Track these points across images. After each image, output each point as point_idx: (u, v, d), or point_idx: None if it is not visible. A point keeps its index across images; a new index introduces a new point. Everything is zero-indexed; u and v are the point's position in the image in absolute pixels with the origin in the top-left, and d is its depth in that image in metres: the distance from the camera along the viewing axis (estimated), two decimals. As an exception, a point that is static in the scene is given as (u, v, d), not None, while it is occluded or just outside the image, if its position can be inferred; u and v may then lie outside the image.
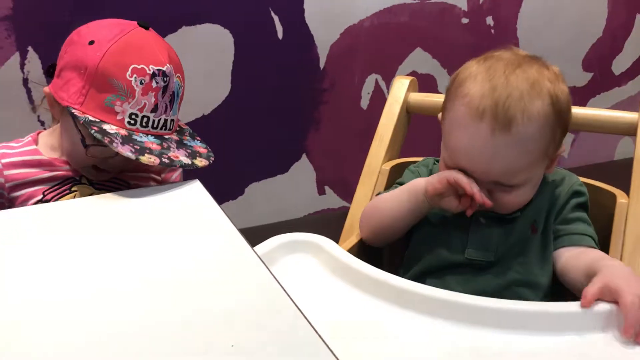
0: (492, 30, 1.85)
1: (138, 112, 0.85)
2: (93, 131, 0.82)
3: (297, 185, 1.78)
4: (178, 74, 0.91)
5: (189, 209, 0.77)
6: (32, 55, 1.37)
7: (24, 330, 0.50)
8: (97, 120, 0.83)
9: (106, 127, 0.83)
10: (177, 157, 0.85)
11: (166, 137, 0.88)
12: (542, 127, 0.75)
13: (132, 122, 0.84)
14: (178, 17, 1.45)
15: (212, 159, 0.92)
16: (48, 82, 0.92)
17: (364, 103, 1.76)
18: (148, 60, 0.85)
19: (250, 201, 1.74)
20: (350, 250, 0.88)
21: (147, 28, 0.90)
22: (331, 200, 1.85)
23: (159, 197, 0.80)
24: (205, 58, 1.51)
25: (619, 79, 2.14)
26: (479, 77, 0.77)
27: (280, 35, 1.58)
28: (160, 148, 0.85)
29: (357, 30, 1.67)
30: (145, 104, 0.85)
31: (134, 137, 0.84)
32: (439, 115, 0.86)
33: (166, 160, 0.83)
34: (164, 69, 0.86)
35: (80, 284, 0.57)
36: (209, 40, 1.49)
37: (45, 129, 1.33)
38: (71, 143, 0.89)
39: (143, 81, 0.84)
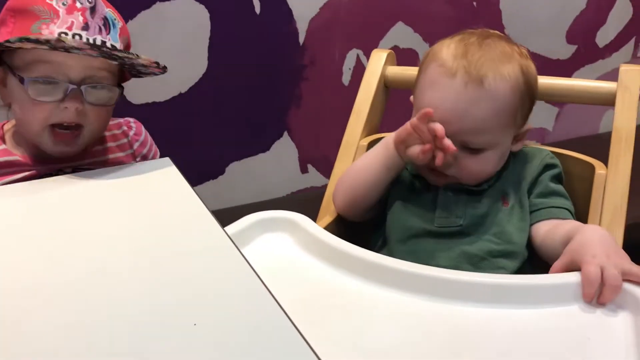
0: (475, 3, 1.83)
1: (67, 30, 0.80)
2: (38, 42, 0.76)
3: (280, 163, 1.76)
4: (109, 9, 0.87)
5: (157, 187, 0.76)
6: None
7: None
8: (19, 37, 0.77)
9: (32, 38, 0.76)
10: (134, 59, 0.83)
11: (103, 48, 0.81)
12: (512, 88, 0.78)
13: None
14: (152, -7, 1.42)
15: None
16: None
17: (346, 79, 1.74)
18: None
19: (231, 181, 1.71)
20: (328, 227, 0.87)
21: None
22: (314, 178, 1.83)
23: (127, 175, 0.78)
24: (181, 35, 1.48)
25: (603, 51, 2.13)
26: (452, 45, 0.81)
27: (257, 9, 1.54)
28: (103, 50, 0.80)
29: (337, 4, 1.64)
30: (72, 22, 0.81)
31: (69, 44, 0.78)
32: (411, 97, 0.86)
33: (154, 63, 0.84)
34: None
35: (48, 265, 0.55)
36: (183, 16, 1.46)
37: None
38: (20, 107, 0.83)
39: (65, 2, 0.81)
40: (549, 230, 0.78)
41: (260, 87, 1.64)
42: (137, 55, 0.82)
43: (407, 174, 0.89)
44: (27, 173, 0.86)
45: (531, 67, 0.82)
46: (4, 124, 0.92)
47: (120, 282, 0.54)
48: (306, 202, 1.90)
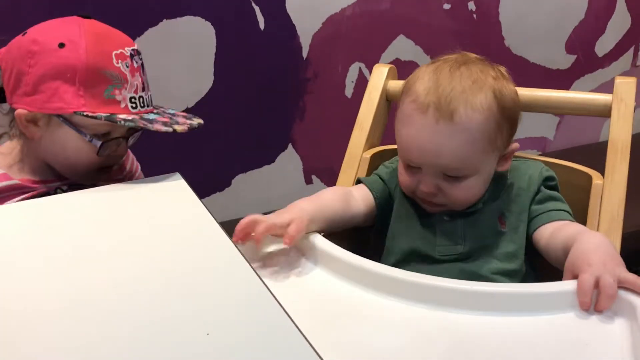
0: (474, 15, 1.86)
1: (135, 95, 0.87)
2: (121, 122, 0.84)
3: (284, 175, 1.79)
4: None
5: (168, 202, 0.78)
6: None
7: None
8: (108, 114, 0.84)
9: (121, 117, 0.85)
10: (186, 122, 0.90)
11: (155, 112, 0.91)
12: (486, 118, 0.79)
13: (134, 105, 0.87)
14: (159, 10, 1.45)
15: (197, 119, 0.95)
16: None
17: (348, 92, 1.77)
18: (121, 43, 0.87)
19: (237, 192, 1.74)
20: (331, 237, 0.89)
21: (89, 17, 0.89)
22: (319, 189, 1.83)
23: (138, 190, 0.80)
24: (187, 51, 1.51)
25: (602, 60, 2.15)
26: (425, 77, 0.82)
27: (262, 26, 1.58)
28: (168, 120, 0.89)
29: (339, 18, 1.67)
30: (137, 85, 0.87)
31: (144, 117, 0.87)
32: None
33: (186, 127, 0.89)
34: (136, 47, 0.89)
35: (61, 278, 0.58)
36: (190, 33, 1.49)
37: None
38: (72, 152, 0.88)
39: (127, 64, 0.86)
40: (551, 234, 0.80)
41: (265, 100, 1.67)
42: (174, 129, 0.89)
43: (404, 198, 0.90)
44: (29, 193, 0.89)
45: (507, 88, 0.82)
46: None
47: (132, 292, 0.56)
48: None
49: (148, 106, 0.90)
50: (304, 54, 1.66)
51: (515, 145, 0.85)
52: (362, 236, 0.94)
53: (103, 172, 0.92)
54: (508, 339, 0.60)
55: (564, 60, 2.08)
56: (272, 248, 0.78)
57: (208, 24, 1.51)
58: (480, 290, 0.64)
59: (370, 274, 0.69)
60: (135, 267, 0.60)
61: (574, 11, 2.04)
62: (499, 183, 0.86)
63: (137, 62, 0.88)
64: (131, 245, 0.65)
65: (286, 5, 1.59)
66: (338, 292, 0.69)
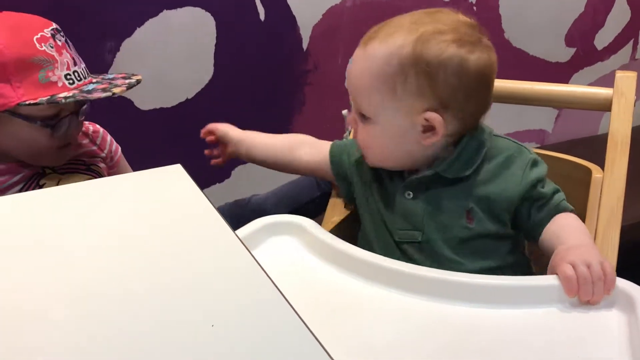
0: (475, 8, 1.86)
1: (68, 71, 0.88)
2: (62, 101, 0.85)
3: (284, 166, 1.79)
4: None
5: (169, 193, 0.78)
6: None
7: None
8: (48, 97, 0.85)
9: (61, 96, 0.86)
10: (124, 82, 0.92)
11: (93, 81, 0.93)
12: (389, 54, 0.74)
13: (71, 81, 0.88)
14: (159, 1, 1.45)
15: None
16: None
17: (348, 83, 1.77)
18: (38, 27, 0.88)
19: (237, 184, 1.74)
20: (333, 230, 0.90)
21: None
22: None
23: (140, 181, 0.80)
24: (187, 42, 1.50)
25: (601, 53, 2.16)
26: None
27: (262, 17, 1.57)
28: (107, 85, 0.91)
29: (340, 10, 1.67)
30: (67, 62, 0.89)
31: (84, 89, 0.89)
32: None
33: (125, 87, 0.91)
34: (55, 26, 0.90)
35: (62, 273, 0.58)
36: (190, 24, 1.49)
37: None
38: (28, 141, 0.89)
39: (52, 45, 0.88)
40: (543, 239, 0.79)
41: (265, 92, 1.67)
42: (113, 93, 0.91)
43: (370, 170, 0.87)
44: (21, 175, 0.93)
45: (448, 48, 0.74)
46: None
47: (134, 285, 0.56)
48: (310, 205, 1.94)
49: (85, 78, 0.92)
50: (304, 45, 1.66)
51: (434, 117, 0.76)
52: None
53: (66, 149, 0.94)
54: (506, 331, 0.61)
55: (563, 53, 2.08)
56: (273, 240, 0.79)
57: (208, 14, 1.51)
58: (479, 282, 0.65)
59: (370, 265, 0.70)
60: (136, 259, 0.61)
61: (573, 4, 2.04)
62: (466, 160, 0.79)
63: (60, 40, 0.90)
64: (132, 237, 0.65)
65: (286, -4, 1.58)
66: (339, 284, 0.70)
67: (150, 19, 1.44)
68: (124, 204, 0.75)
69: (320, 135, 1.80)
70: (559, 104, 1.00)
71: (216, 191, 1.71)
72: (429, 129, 0.77)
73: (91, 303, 0.53)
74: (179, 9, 1.47)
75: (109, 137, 1.07)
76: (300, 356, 0.47)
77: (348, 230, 0.93)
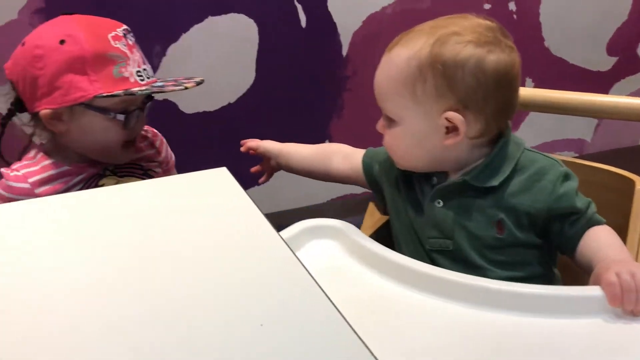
0: (515, 16, 1.85)
1: (139, 68, 0.93)
2: (138, 93, 0.91)
3: (321, 171, 1.81)
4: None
5: (216, 196, 0.80)
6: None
7: (51, 316, 0.54)
8: (124, 90, 0.90)
9: (136, 89, 0.91)
10: (190, 81, 0.97)
11: (159, 81, 0.98)
12: (409, 57, 0.77)
13: (141, 78, 0.93)
14: (203, 8, 1.48)
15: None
16: (11, 117, 0.97)
17: (387, 90, 1.78)
18: (112, 26, 0.93)
19: (274, 187, 1.76)
20: (373, 235, 0.91)
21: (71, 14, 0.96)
22: (354, 186, 1.87)
23: (187, 185, 0.83)
24: (231, 47, 1.54)
25: (644, 63, 2.12)
26: None
27: (303, 23, 1.60)
28: (175, 82, 0.96)
29: (380, 17, 1.68)
30: (137, 60, 0.94)
31: (154, 85, 0.94)
32: None
33: (194, 83, 0.96)
34: (125, 27, 0.95)
35: (111, 273, 0.60)
36: (234, 30, 1.52)
37: None
38: (100, 133, 0.94)
39: (124, 43, 0.92)
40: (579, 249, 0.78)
41: (304, 97, 1.69)
42: (185, 87, 0.97)
43: (402, 177, 0.88)
44: (82, 175, 0.97)
45: (460, 49, 0.75)
46: (35, 148, 1.00)
47: (183, 285, 0.57)
48: (345, 208, 1.95)
49: (151, 78, 0.96)
50: (344, 51, 1.68)
51: (455, 116, 0.76)
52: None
53: (129, 146, 0.99)
54: (547, 341, 0.61)
55: (604, 62, 2.05)
56: (314, 243, 0.80)
57: (251, 21, 1.54)
58: (521, 291, 0.65)
59: (409, 271, 0.71)
60: (184, 261, 0.62)
61: (616, 12, 2.01)
62: (495, 169, 0.79)
63: (131, 40, 0.94)
64: (179, 238, 0.67)
65: (327, 3, 1.60)
66: (379, 288, 0.71)
67: (195, 25, 1.48)
68: (171, 205, 0.77)
69: (358, 141, 1.81)
70: (599, 114, 0.99)
71: (254, 193, 1.73)
72: (451, 129, 0.78)
73: (140, 302, 0.54)
74: (223, 15, 1.51)
75: (165, 143, 1.11)
76: (347, 356, 0.48)
77: (386, 234, 0.94)
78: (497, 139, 0.81)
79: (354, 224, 0.97)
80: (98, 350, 0.48)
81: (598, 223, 0.78)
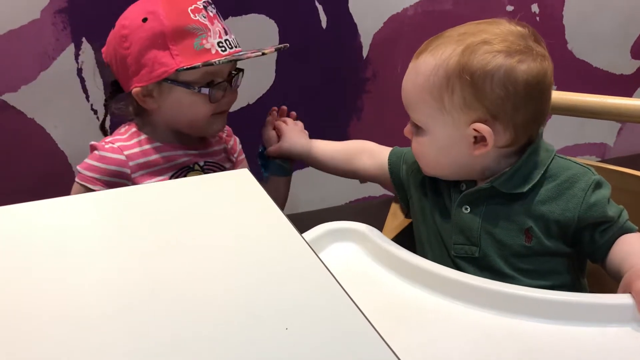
0: (537, 18, 1.83)
1: (220, 39, 0.95)
2: (217, 62, 0.91)
3: (339, 173, 1.80)
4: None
5: (238, 197, 0.80)
6: (86, 46, 1.42)
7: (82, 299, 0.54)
8: (204, 61, 0.92)
9: (215, 60, 0.92)
10: (271, 49, 1.01)
11: (242, 50, 1.00)
12: (436, 66, 0.75)
13: (223, 48, 0.95)
14: (224, 8, 1.48)
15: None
16: (113, 97, 1.02)
17: (407, 92, 1.77)
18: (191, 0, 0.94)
19: (292, 189, 1.75)
20: (395, 238, 0.90)
21: None
22: (372, 188, 1.86)
23: (208, 186, 0.83)
24: (251, 47, 1.53)
25: (669, 66, 2.09)
26: None
27: (324, 24, 1.59)
28: (256, 50, 0.99)
29: (401, 18, 1.67)
30: (218, 31, 0.96)
31: (235, 55, 0.96)
32: None
33: (273, 48, 1.00)
34: None
35: (132, 272, 0.60)
36: (254, 30, 1.52)
37: (98, 117, 1.39)
38: (189, 107, 0.97)
39: (204, 15, 0.94)
40: (609, 261, 0.77)
41: (324, 98, 1.69)
42: (263, 53, 1.00)
43: (428, 182, 0.88)
44: (173, 163, 1.00)
45: (490, 59, 0.73)
46: (125, 125, 1.04)
47: (206, 287, 0.57)
48: (364, 211, 1.94)
49: (236, 47, 0.98)
50: (364, 53, 1.67)
51: (483, 127, 0.75)
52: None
53: (219, 119, 1.01)
54: (577, 349, 0.60)
55: (628, 66, 2.02)
56: (336, 246, 0.80)
57: (272, 21, 1.53)
58: (549, 298, 0.64)
59: (434, 276, 0.70)
60: (207, 262, 0.62)
61: (641, 15, 1.98)
62: (524, 175, 0.78)
63: (211, 12, 0.96)
64: (203, 240, 0.67)
65: (349, 4, 1.60)
66: (401, 292, 0.70)
67: (216, 25, 1.48)
68: (192, 206, 0.77)
69: (376, 141, 1.80)
70: (622, 118, 0.98)
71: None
72: (479, 139, 0.77)
73: (162, 304, 0.54)
74: (244, 16, 1.50)
75: (239, 143, 1.16)
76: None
77: (408, 238, 0.94)
78: (526, 146, 0.80)
79: (374, 227, 0.96)
80: (117, 352, 0.48)
81: (630, 230, 0.77)
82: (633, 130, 2.11)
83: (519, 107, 0.75)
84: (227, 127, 1.13)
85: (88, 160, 0.97)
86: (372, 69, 1.70)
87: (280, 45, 1.02)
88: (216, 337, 0.50)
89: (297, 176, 1.78)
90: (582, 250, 0.79)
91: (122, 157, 0.96)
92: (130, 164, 0.96)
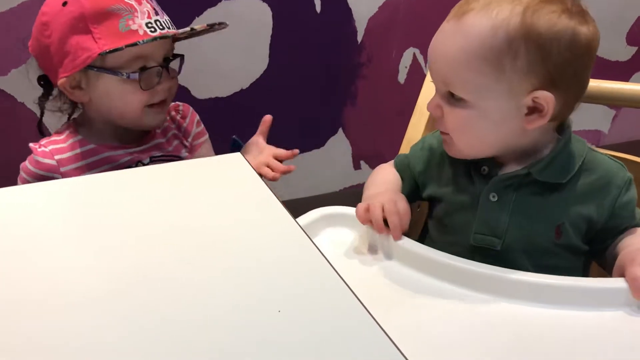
0: (533, 3, 1.82)
1: (149, 19, 0.88)
2: (141, 42, 0.84)
3: (333, 159, 1.80)
4: None
5: (231, 181, 0.79)
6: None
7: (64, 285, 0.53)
8: (129, 43, 0.85)
9: (138, 41, 0.86)
10: (204, 26, 0.92)
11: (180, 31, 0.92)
12: (494, 28, 0.67)
13: (152, 29, 0.88)
14: (217, -9, 1.47)
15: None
16: (46, 92, 0.95)
17: (401, 77, 1.76)
18: None
19: (287, 176, 1.75)
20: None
21: None
22: (367, 174, 1.84)
23: (202, 170, 0.82)
24: (244, 32, 1.52)
25: (664, 53, 2.09)
26: None
27: (318, 8, 1.58)
28: (185, 29, 0.91)
29: (396, 3, 1.66)
30: (147, 11, 0.88)
31: (164, 35, 0.89)
32: None
33: (207, 25, 0.91)
34: None
35: (121, 257, 0.59)
36: (247, 14, 1.50)
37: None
38: (119, 97, 0.90)
39: None
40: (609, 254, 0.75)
41: (318, 83, 1.68)
42: (192, 28, 0.92)
43: (445, 168, 0.81)
44: (112, 165, 0.93)
45: (557, 20, 0.67)
46: (69, 127, 0.97)
47: (200, 271, 0.57)
48: (358, 197, 1.93)
49: (169, 28, 0.91)
50: (359, 38, 1.65)
51: (545, 95, 0.68)
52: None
53: (160, 108, 0.94)
54: (572, 333, 0.59)
55: (623, 52, 2.02)
56: (330, 231, 0.79)
57: (265, 5, 1.52)
58: (544, 282, 0.64)
59: (428, 260, 0.70)
60: (200, 246, 0.62)
61: (636, 2, 1.97)
62: (562, 164, 0.73)
63: None
64: (196, 224, 0.66)
65: (343, -12, 1.58)
66: (394, 278, 0.70)
67: (209, 9, 1.46)
68: (185, 191, 0.77)
69: (371, 127, 1.80)
70: (618, 102, 0.97)
71: (266, 181, 1.72)
72: (533, 110, 0.70)
73: (154, 289, 0.54)
74: (237, 0, 1.49)
75: (195, 123, 1.06)
76: (366, 343, 0.47)
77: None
78: (559, 130, 0.75)
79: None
80: (110, 337, 0.48)
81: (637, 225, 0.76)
82: (627, 118, 2.12)
83: (578, 74, 0.70)
84: (184, 107, 1.06)
85: (26, 162, 0.92)
86: (367, 54, 1.68)
87: (214, 23, 0.93)
88: (209, 320, 0.49)
89: (291, 163, 1.78)
90: (593, 248, 0.76)
91: (53, 163, 0.91)
92: (62, 169, 0.91)
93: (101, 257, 0.58)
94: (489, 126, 0.71)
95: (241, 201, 0.73)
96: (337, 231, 0.79)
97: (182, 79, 1.49)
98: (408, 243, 0.72)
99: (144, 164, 0.94)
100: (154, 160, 0.96)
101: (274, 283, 0.54)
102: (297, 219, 0.76)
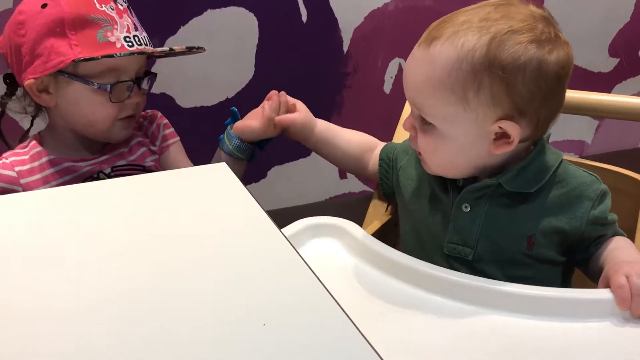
0: (518, 15, 1.83)
1: (128, 34, 0.88)
2: (118, 55, 0.84)
3: (319, 169, 1.79)
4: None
5: (216, 192, 0.79)
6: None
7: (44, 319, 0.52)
8: (105, 54, 0.84)
9: (115, 53, 0.85)
10: (181, 47, 0.92)
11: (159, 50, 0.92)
12: (459, 58, 0.67)
13: (130, 44, 0.87)
14: (203, 0, 1.46)
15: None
16: (9, 92, 0.93)
17: (387, 87, 1.76)
18: None
19: (272, 184, 1.75)
20: (374, 234, 0.89)
21: None
22: (353, 184, 1.85)
23: (185, 180, 0.81)
24: (230, 41, 1.52)
25: (645, 64, 2.11)
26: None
27: (304, 18, 1.58)
28: (163, 48, 0.91)
29: (382, 13, 1.66)
30: (127, 25, 0.88)
31: (142, 51, 0.89)
32: None
33: (185, 47, 0.92)
34: None
35: (104, 270, 0.58)
36: (233, 24, 1.50)
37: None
38: (87, 106, 0.89)
39: (112, 7, 0.87)
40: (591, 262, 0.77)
41: (304, 93, 1.66)
42: (170, 48, 0.92)
43: (423, 175, 0.83)
44: (74, 175, 0.92)
45: (524, 48, 0.66)
46: (34, 138, 0.96)
47: (183, 283, 0.56)
48: (344, 207, 1.93)
49: (146, 45, 0.91)
50: (345, 47, 1.66)
51: (510, 125, 0.69)
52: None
53: (127, 123, 0.93)
54: (557, 344, 0.59)
55: (606, 64, 2.04)
56: (315, 241, 0.79)
57: (251, 14, 1.52)
58: (529, 293, 0.64)
59: (414, 271, 0.69)
60: (183, 258, 0.61)
61: (619, 13, 2.00)
62: (533, 174, 0.74)
63: (121, 5, 0.89)
64: (179, 235, 0.66)
65: (329, -2, 1.59)
66: (380, 288, 0.70)
67: (194, 18, 1.45)
68: (168, 201, 0.76)
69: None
70: (602, 113, 0.98)
71: (252, 190, 1.71)
72: (501, 136, 0.71)
73: (139, 301, 0.53)
74: (222, 9, 1.48)
75: (162, 127, 1.04)
76: (351, 356, 0.46)
77: (389, 233, 0.93)
78: (537, 142, 0.76)
79: (354, 222, 0.95)
80: (88, 350, 0.47)
81: (616, 235, 0.77)
82: (610, 128, 2.13)
83: (547, 101, 0.70)
84: (152, 112, 1.05)
85: None
86: (353, 64, 1.69)
87: (193, 46, 0.94)
88: (193, 332, 0.49)
89: (276, 172, 1.78)
90: (572, 258, 0.77)
91: (13, 174, 0.89)
92: (22, 181, 0.89)
93: (81, 270, 0.57)
94: (458, 150, 0.73)
95: (225, 211, 0.72)
96: (323, 241, 0.79)
97: (167, 88, 1.49)
98: (394, 254, 0.72)
99: (105, 174, 0.94)
100: (115, 170, 0.95)
101: (259, 295, 0.54)
102: (282, 230, 0.76)
